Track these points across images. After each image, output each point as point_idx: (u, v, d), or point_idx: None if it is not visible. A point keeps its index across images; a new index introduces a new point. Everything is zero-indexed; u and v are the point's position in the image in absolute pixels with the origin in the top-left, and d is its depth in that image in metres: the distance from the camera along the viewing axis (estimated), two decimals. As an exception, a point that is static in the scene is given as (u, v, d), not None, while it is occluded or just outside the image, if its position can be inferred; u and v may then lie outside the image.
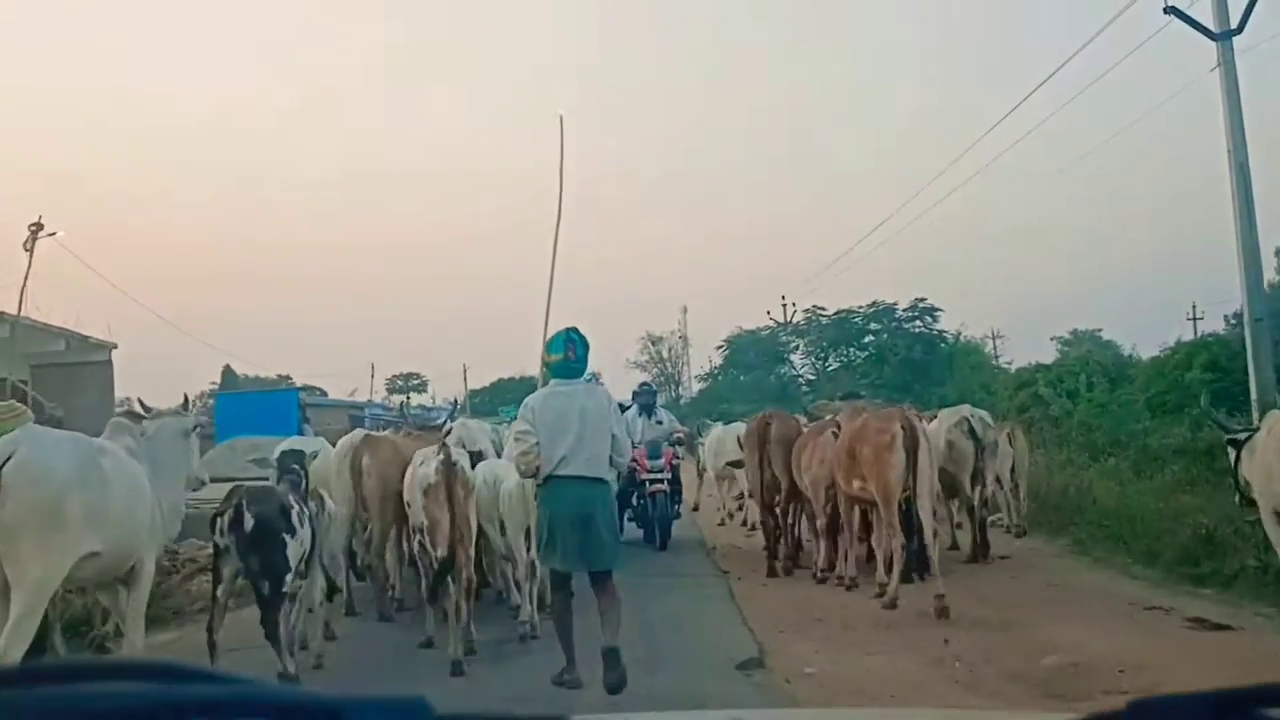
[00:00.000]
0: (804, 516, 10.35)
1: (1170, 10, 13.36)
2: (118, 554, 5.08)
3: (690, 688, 5.51)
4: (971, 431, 9.68)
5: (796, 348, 42.62)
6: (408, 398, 60.48)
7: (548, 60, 74.91)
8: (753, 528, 13.13)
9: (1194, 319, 41.49)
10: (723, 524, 13.97)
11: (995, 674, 5.49)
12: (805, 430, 9.88)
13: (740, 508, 14.01)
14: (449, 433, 8.54)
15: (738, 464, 12.62)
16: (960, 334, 38.36)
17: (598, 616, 5.60)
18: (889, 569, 7.78)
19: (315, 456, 7.86)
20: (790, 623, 7.12)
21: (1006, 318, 66.01)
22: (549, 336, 6.28)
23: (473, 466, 7.32)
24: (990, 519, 10.53)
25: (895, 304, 37.16)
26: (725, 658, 6.10)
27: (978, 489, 9.76)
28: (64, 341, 18.74)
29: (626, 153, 75.63)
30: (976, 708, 4.95)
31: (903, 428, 7.90)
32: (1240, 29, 13.12)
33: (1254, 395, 12.61)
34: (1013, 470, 11.28)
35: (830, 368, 39.83)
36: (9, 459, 4.62)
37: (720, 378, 46.97)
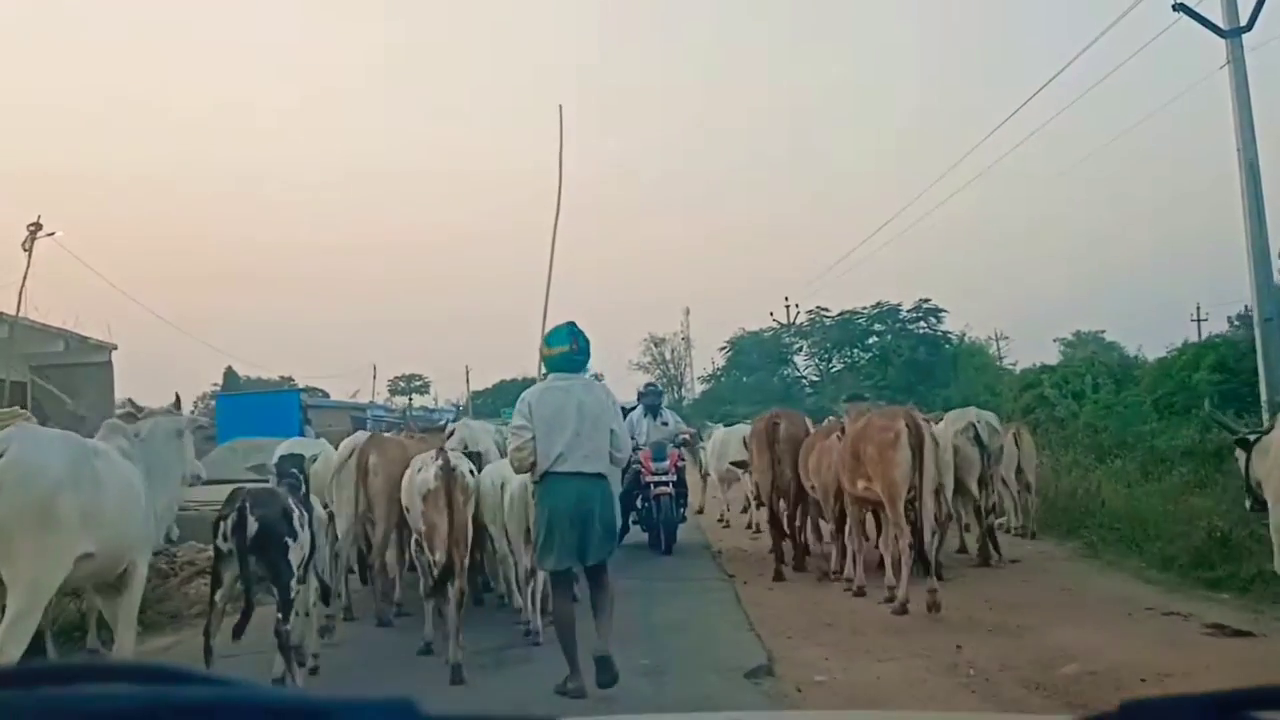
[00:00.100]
0: (808, 519, 10.25)
1: (1179, 7, 13.24)
2: (111, 556, 4.98)
3: (698, 696, 5.38)
4: (977, 437, 9.56)
5: (800, 349, 42.51)
6: (410, 399, 60.53)
7: (548, 60, 74.95)
8: (757, 529, 13.03)
9: (1198, 320, 41.44)
10: (727, 526, 13.84)
11: (1012, 682, 5.34)
12: (813, 432, 9.79)
13: (744, 510, 13.88)
14: (451, 434, 8.45)
15: (741, 464, 12.50)
16: (965, 335, 38.26)
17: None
18: (897, 571, 7.65)
19: (315, 459, 7.74)
20: (798, 628, 6.97)
21: (1008, 319, 65.91)
22: (552, 329, 6.15)
23: (478, 468, 7.26)
24: (996, 521, 10.40)
25: (899, 305, 37.06)
26: (733, 665, 5.95)
27: (984, 493, 9.66)
28: (63, 342, 18.65)
29: (628, 153, 75.86)
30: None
31: (907, 425, 7.80)
32: (1250, 26, 13.00)
33: (1264, 396, 12.49)
34: (1019, 471, 11.14)
35: (834, 369, 39.69)
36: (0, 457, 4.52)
37: (723, 379, 46.89)
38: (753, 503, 13.44)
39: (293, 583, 5.51)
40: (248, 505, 5.44)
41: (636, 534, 11.33)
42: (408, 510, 6.64)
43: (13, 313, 16.96)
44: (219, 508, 9.44)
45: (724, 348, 46.55)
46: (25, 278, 17.18)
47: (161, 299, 78.16)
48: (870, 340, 38.26)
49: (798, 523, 9.99)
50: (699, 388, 50.98)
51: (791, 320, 43.02)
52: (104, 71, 71.60)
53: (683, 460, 11.63)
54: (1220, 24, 13.15)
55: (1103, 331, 44.60)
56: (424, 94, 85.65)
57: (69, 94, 73.19)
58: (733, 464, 12.76)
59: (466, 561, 6.39)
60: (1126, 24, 14.59)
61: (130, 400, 6.56)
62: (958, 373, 33.83)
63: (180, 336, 49.71)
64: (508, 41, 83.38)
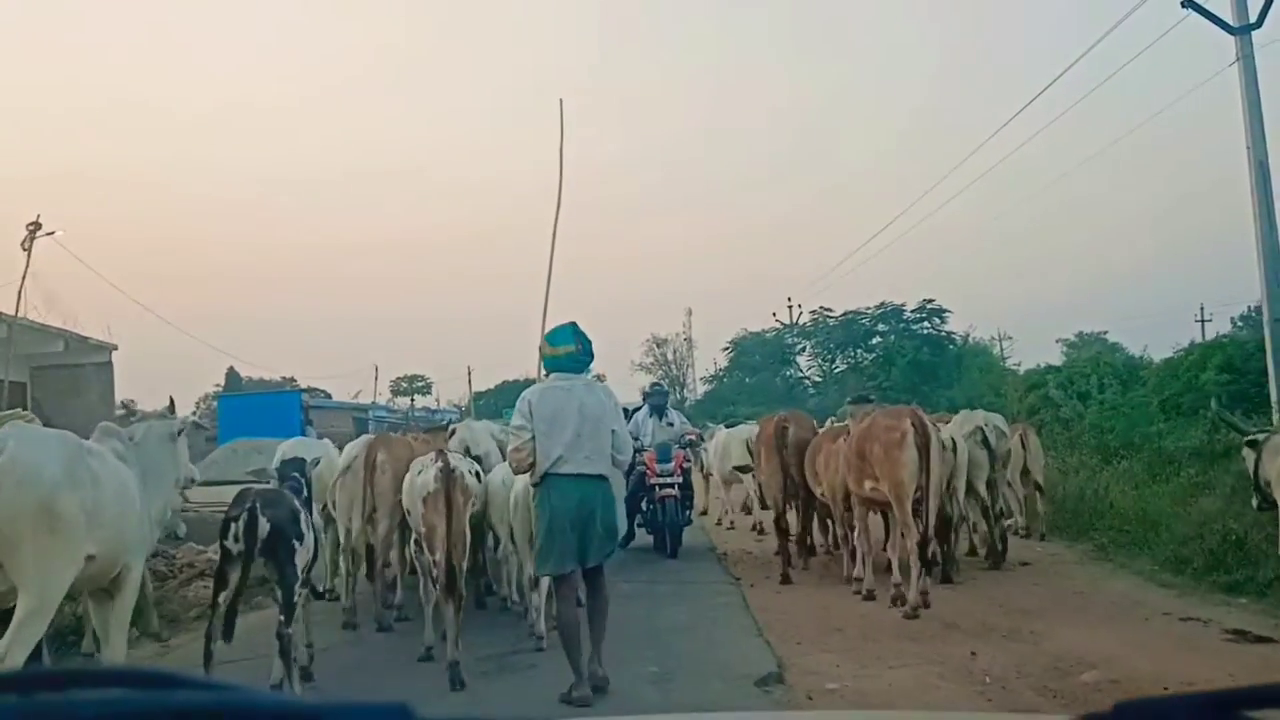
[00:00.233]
0: (812, 522, 10.14)
1: (1188, 3, 13.11)
2: (108, 558, 4.90)
3: (707, 705, 5.27)
4: (985, 440, 9.47)
5: (803, 349, 42.39)
6: (412, 400, 60.42)
7: (550, 60, 74.87)
8: (760, 530, 12.90)
9: (1202, 321, 41.33)
10: (732, 527, 13.70)
11: (1029, 689, 5.21)
12: (820, 434, 9.68)
13: (748, 511, 13.76)
14: (453, 434, 8.36)
15: (745, 469, 12.36)
16: (969, 335, 38.13)
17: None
18: (905, 572, 7.54)
19: (317, 463, 7.66)
20: (808, 634, 6.84)
21: (1009, 319, 65.72)
22: (552, 329, 6.06)
23: (485, 470, 7.22)
24: (1005, 523, 10.29)
25: (903, 305, 36.92)
26: (742, 672, 5.81)
27: (993, 495, 9.56)
28: (63, 342, 18.48)
29: (629, 153, 75.75)
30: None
31: (914, 425, 7.72)
32: (1259, 23, 12.85)
33: (1273, 396, 12.35)
34: (1025, 472, 11.03)
35: (837, 369, 39.56)
36: None
37: (725, 380, 46.85)
38: (756, 505, 13.34)
39: (297, 586, 5.46)
40: (258, 506, 5.37)
41: (641, 536, 11.20)
42: (408, 512, 6.59)
43: (13, 313, 16.83)
44: (219, 509, 9.46)
45: (726, 348, 46.55)
46: (24, 277, 17.06)
47: (163, 299, 78.30)
48: (874, 340, 38.13)
49: (800, 526, 9.88)
50: (701, 388, 50.91)
51: (794, 320, 42.95)
52: (104, 71, 71.51)
53: (688, 461, 11.43)
54: (1230, 20, 13.01)
55: (1105, 332, 44.54)
56: (426, 93, 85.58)
57: (69, 94, 73.24)
58: (736, 468, 12.64)
59: (466, 563, 6.33)
60: (1130, 23, 14.45)
61: (124, 404, 6.48)
62: (962, 373, 33.70)
63: (182, 337, 49.59)
64: (509, 41, 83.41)
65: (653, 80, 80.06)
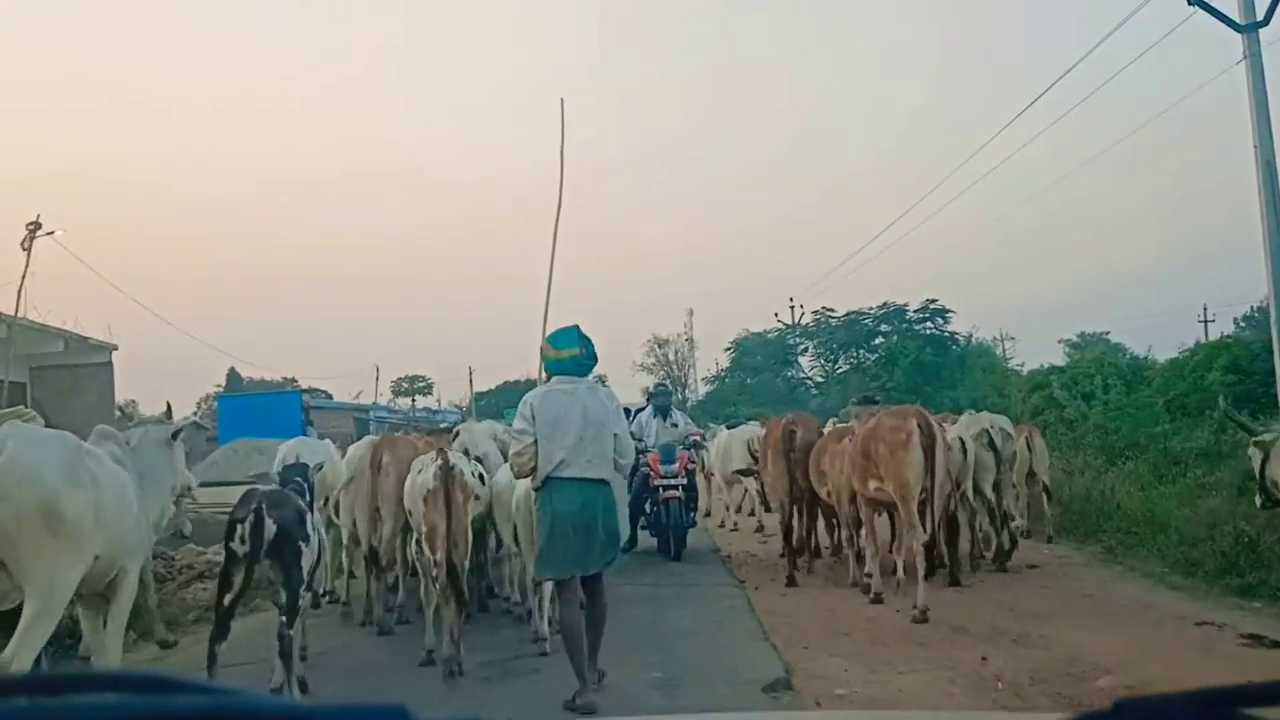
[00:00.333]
0: (819, 523, 10.04)
1: (1195, 1, 13.00)
2: (106, 560, 4.85)
3: (714, 712, 5.16)
4: (991, 443, 9.40)
5: (805, 350, 42.27)
6: (413, 400, 60.36)
7: (551, 59, 74.79)
8: (761, 530, 12.81)
9: (1205, 321, 41.27)
10: (735, 529, 13.61)
11: (1043, 695, 5.09)
12: (825, 435, 9.59)
13: (751, 512, 13.67)
14: (456, 435, 8.29)
15: (747, 472, 12.26)
16: (972, 336, 38.01)
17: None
18: (910, 573, 7.46)
19: (320, 468, 7.62)
20: (815, 638, 6.73)
21: (1011, 320, 65.65)
22: (554, 331, 5.99)
23: (490, 473, 7.18)
24: (1011, 525, 10.18)
25: (906, 305, 36.79)
26: (749, 677, 5.71)
27: (999, 497, 9.46)
28: (63, 342, 18.40)
29: (630, 153, 75.63)
30: None
31: (919, 425, 7.64)
32: (1267, 20, 12.74)
33: (1281, 396, 12.24)
34: (1031, 474, 10.94)
35: (839, 370, 39.45)
36: None
37: (727, 380, 46.78)
38: (758, 506, 13.25)
39: (301, 588, 5.41)
40: (264, 507, 5.31)
41: (644, 539, 11.09)
42: (409, 512, 6.54)
43: (12, 313, 16.74)
44: (219, 509, 9.38)
45: (728, 348, 46.44)
46: (24, 277, 16.97)
47: (163, 299, 78.22)
48: (876, 341, 38.02)
49: (805, 529, 9.79)
50: (703, 389, 50.82)
51: (796, 321, 42.83)
52: (104, 71, 71.55)
53: (693, 463, 11.28)
54: (1237, 18, 12.90)
55: (1107, 333, 44.47)
56: (426, 93, 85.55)
57: (69, 94, 73.20)
58: (738, 471, 12.54)
59: (467, 562, 6.27)
60: (1133, 23, 14.32)
61: (121, 409, 6.40)
62: (965, 374, 33.58)
63: (182, 337, 49.60)
64: (509, 41, 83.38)
65: (653, 80, 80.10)
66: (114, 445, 5.24)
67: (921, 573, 7.34)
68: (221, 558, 8.70)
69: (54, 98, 74.39)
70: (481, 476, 7.00)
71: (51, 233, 18.36)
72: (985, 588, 8.33)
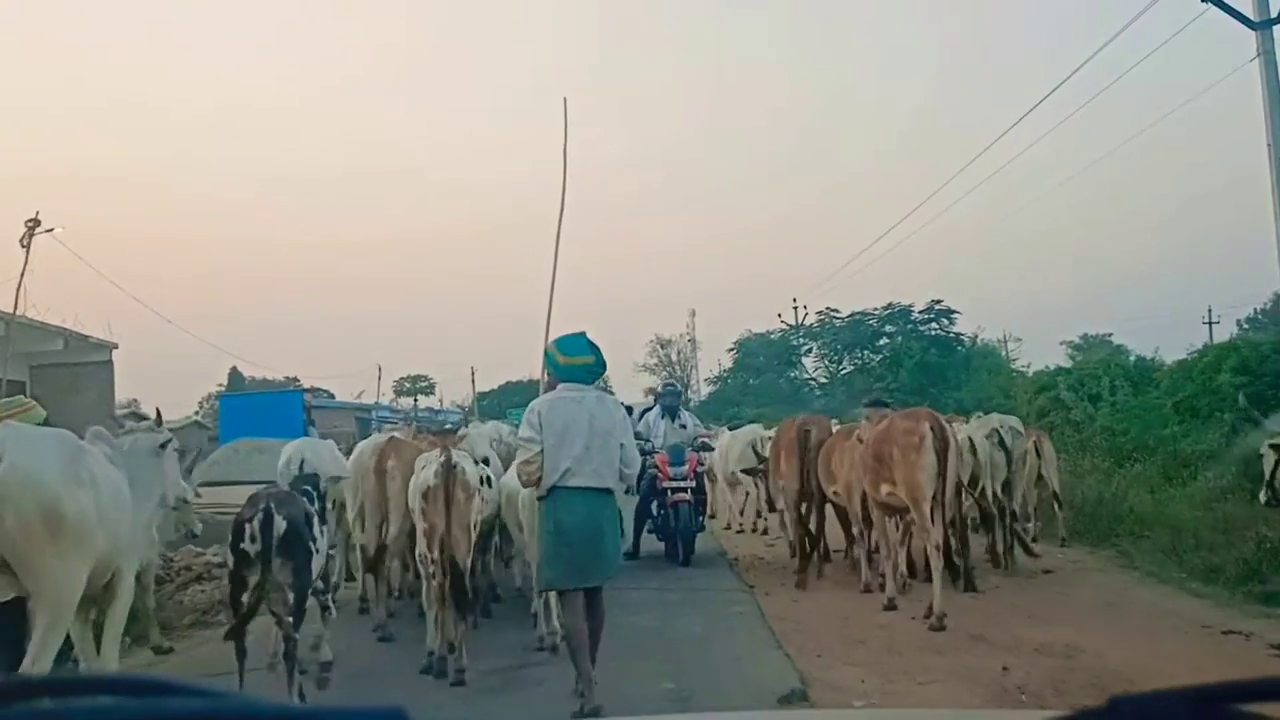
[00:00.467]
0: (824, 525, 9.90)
1: (1207, -2, 12.82)
2: (105, 560, 4.76)
3: (719, 711, 5.00)
4: (1001, 442, 9.27)
5: (809, 350, 42.10)
6: (415, 400, 60.21)
7: (552, 59, 74.69)
8: (765, 533, 12.65)
9: (1210, 323, 41.06)
10: (741, 530, 13.44)
11: (1069, 709, 4.91)
12: (833, 434, 9.45)
13: (758, 514, 13.50)
14: (463, 437, 8.18)
15: (751, 470, 12.08)
16: (977, 336, 37.80)
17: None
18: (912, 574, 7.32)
19: (336, 480, 7.53)
20: (829, 646, 6.55)
21: (1013, 321, 65.55)
22: (563, 336, 5.88)
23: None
24: (1020, 528, 10.04)
25: (911, 306, 36.61)
26: (764, 688, 5.52)
27: (1009, 498, 9.33)
28: (62, 341, 18.25)
29: (631, 153, 75.52)
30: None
31: (932, 428, 7.49)
32: (1280, 18, 12.57)
33: (1291, 398, 12.10)
34: (1039, 479, 10.79)
35: (844, 371, 39.28)
36: None
37: (730, 381, 46.59)
38: (763, 508, 13.08)
39: (309, 591, 5.35)
40: (273, 505, 5.25)
41: (650, 542, 10.86)
42: (412, 511, 6.44)
43: (12, 311, 16.60)
44: (219, 510, 9.23)
45: (731, 349, 46.27)
46: (23, 274, 16.83)
47: (165, 299, 78.10)
48: (881, 342, 37.87)
49: (815, 530, 9.63)
50: (705, 389, 50.62)
51: (800, 321, 42.65)
52: (104, 71, 71.48)
53: (702, 465, 11.04)
54: (1250, 15, 12.72)
55: (1110, 334, 44.20)
56: (426, 93, 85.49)
57: (69, 94, 73.12)
58: (743, 470, 12.36)
59: (469, 562, 6.18)
60: (1138, 24, 14.15)
61: (114, 416, 6.26)
62: (970, 375, 33.41)
63: (184, 336, 49.48)
64: (509, 41, 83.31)
65: (653, 80, 79.93)
66: (107, 446, 5.14)
67: (937, 578, 7.19)
68: (221, 559, 8.66)
69: (54, 98, 74.36)
70: (488, 479, 6.89)
71: (51, 230, 18.24)
72: (1002, 594, 8.15)
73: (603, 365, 5.71)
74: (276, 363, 69.77)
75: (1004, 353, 41.01)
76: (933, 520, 7.39)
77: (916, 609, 7.35)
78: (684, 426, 11.09)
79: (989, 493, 9.01)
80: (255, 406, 25.13)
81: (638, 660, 6.20)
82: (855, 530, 8.94)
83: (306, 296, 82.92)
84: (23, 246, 17.27)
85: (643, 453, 9.37)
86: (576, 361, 5.56)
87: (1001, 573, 9.05)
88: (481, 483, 6.68)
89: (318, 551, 5.50)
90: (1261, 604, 7.21)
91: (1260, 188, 12.34)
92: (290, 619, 5.21)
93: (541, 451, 5.34)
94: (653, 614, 7.83)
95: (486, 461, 7.38)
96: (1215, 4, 12.91)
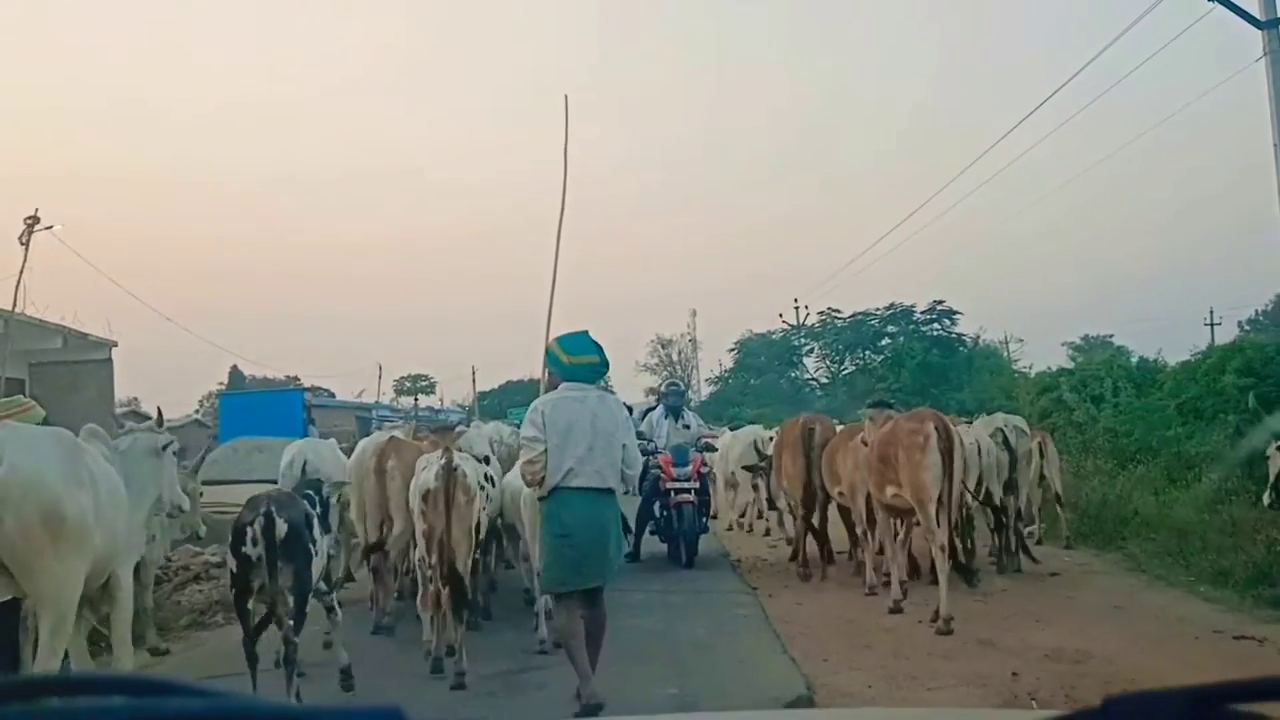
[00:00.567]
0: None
1: (1215, -3, 12.74)
2: (102, 560, 4.73)
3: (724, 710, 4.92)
4: (1006, 441, 9.22)
5: (810, 350, 42.02)
6: (416, 399, 60.11)
7: (553, 59, 74.60)
8: (767, 534, 12.55)
9: (1211, 324, 40.94)
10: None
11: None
12: (837, 434, 9.39)
13: (760, 515, 13.42)
14: (461, 434, 8.11)
15: (752, 468, 12.00)
16: (979, 337, 37.70)
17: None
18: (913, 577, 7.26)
19: (342, 486, 7.44)
20: (835, 650, 6.46)
21: (1014, 322, 65.44)
22: (565, 334, 5.82)
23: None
24: (1026, 530, 9.96)
25: (913, 306, 36.51)
26: (769, 694, 5.45)
27: (1012, 499, 9.26)
28: (61, 338, 18.17)
29: (631, 153, 75.43)
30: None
31: (937, 429, 7.42)
32: (1288, 17, 12.48)
33: (1297, 399, 12.01)
34: (1042, 479, 10.71)
35: (845, 371, 39.20)
36: None
37: (730, 381, 46.49)
38: (763, 507, 12.99)
39: (309, 595, 5.32)
40: (274, 509, 5.20)
41: (653, 544, 10.75)
42: (411, 512, 6.41)
43: (11, 309, 16.52)
44: (217, 510, 9.14)
45: (732, 349, 46.18)
46: (22, 272, 16.76)
47: (165, 298, 78.15)
48: (883, 342, 37.77)
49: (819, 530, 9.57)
50: (706, 390, 50.52)
51: (801, 321, 42.55)
52: (104, 71, 71.41)
53: (705, 466, 10.89)
54: (1257, 15, 12.64)
55: (1111, 335, 44.09)
56: (426, 93, 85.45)
57: (69, 92, 73.11)
58: (744, 467, 12.28)
59: (469, 564, 6.13)
60: (1139, 26, 14.06)
61: (114, 416, 6.19)
62: (972, 375, 33.29)
63: (184, 335, 49.35)
64: (509, 41, 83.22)
65: (653, 80, 79.83)
66: (102, 445, 5.08)
67: (943, 580, 7.11)
68: (219, 559, 8.58)
69: (54, 97, 74.26)
70: (490, 477, 6.85)
71: (50, 227, 18.18)
72: (1009, 597, 8.06)
73: (606, 364, 5.67)
74: (277, 361, 69.53)
75: (1006, 354, 40.90)
76: (938, 522, 7.32)
77: (923, 612, 7.26)
78: (687, 427, 10.98)
79: (995, 495, 8.92)
80: (255, 405, 25.05)
81: (640, 665, 6.12)
82: (859, 531, 8.87)
83: (307, 295, 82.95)
84: (22, 244, 17.22)
85: (645, 453, 9.29)
86: (581, 361, 5.51)
87: (1007, 575, 8.96)
88: (485, 480, 6.62)
89: (318, 554, 5.47)
90: (1273, 608, 7.11)
91: (1261, 189, 12.27)
92: (291, 622, 5.17)
93: (545, 451, 5.28)
94: (656, 616, 7.75)
95: (487, 460, 7.30)
96: (1222, 3, 12.84)
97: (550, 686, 5.74)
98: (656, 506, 10.43)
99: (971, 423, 9.91)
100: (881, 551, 8.60)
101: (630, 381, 46.61)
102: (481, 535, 6.58)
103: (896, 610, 7.53)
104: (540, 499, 5.49)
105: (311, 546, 5.34)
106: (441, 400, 59.97)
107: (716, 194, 77.58)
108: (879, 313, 37.34)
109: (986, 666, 5.84)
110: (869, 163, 71.99)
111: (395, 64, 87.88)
